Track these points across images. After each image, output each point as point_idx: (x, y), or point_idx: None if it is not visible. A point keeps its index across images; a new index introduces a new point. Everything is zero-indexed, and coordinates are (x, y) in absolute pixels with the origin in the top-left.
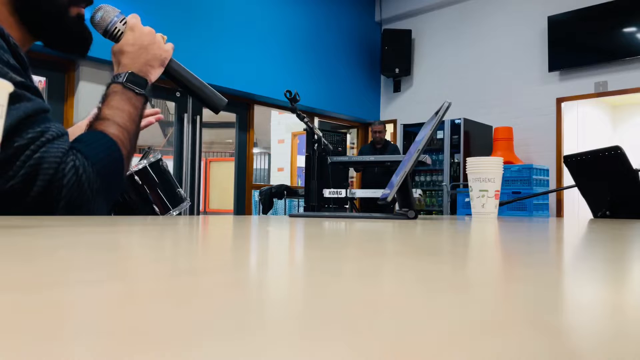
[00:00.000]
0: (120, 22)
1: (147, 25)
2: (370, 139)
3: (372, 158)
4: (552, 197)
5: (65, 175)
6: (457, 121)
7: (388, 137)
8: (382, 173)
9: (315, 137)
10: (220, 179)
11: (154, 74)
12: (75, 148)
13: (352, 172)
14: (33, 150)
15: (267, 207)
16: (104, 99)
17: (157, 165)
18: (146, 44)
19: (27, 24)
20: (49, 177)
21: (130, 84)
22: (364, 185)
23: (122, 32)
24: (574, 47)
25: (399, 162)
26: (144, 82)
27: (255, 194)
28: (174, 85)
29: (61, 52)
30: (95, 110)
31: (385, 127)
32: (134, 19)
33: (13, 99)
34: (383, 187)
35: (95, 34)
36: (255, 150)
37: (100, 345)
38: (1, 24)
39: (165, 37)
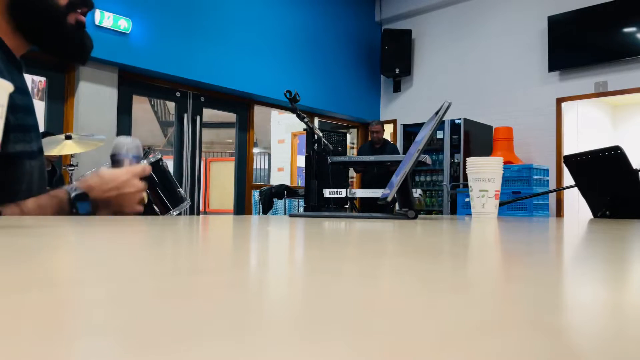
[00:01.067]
0: (129, 161)
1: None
2: (369, 138)
3: (372, 158)
4: (552, 197)
5: None
6: (457, 121)
7: (388, 137)
8: (382, 173)
9: (315, 137)
10: (220, 179)
11: (101, 212)
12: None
13: (352, 172)
14: None
15: (267, 207)
16: (43, 195)
17: (157, 165)
18: (124, 192)
19: (24, 30)
20: None
21: (76, 200)
22: (363, 185)
23: (122, 164)
24: (574, 47)
25: (398, 162)
26: (87, 206)
27: (255, 194)
28: (176, 85)
29: (59, 58)
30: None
31: (383, 126)
32: (141, 169)
33: None
34: (382, 187)
35: (95, 37)
36: (255, 150)
37: (100, 345)
38: None
39: (145, 199)
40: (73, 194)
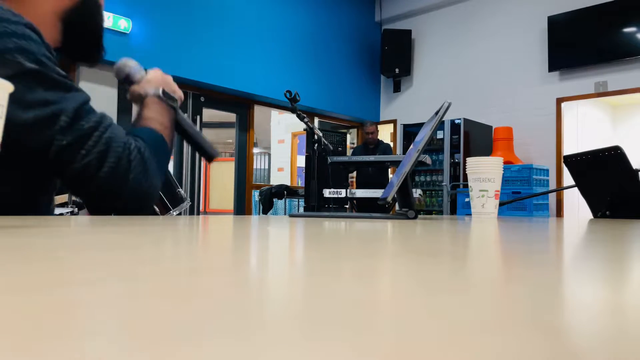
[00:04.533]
0: (139, 73)
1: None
2: (364, 139)
3: (372, 158)
4: (552, 197)
5: (131, 152)
6: (457, 121)
7: (388, 137)
8: (376, 173)
9: (315, 137)
10: (220, 179)
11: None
12: (134, 133)
13: (353, 172)
14: (102, 131)
15: (267, 207)
16: (142, 108)
17: None
18: (167, 80)
19: (66, 35)
20: (119, 153)
21: (164, 97)
22: (357, 185)
23: (141, 77)
24: (574, 47)
25: (395, 161)
26: (173, 98)
27: (255, 194)
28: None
29: (76, 60)
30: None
31: (377, 127)
32: (153, 69)
33: (63, 88)
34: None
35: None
36: (255, 150)
37: (100, 345)
38: (44, 26)
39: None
40: (160, 92)
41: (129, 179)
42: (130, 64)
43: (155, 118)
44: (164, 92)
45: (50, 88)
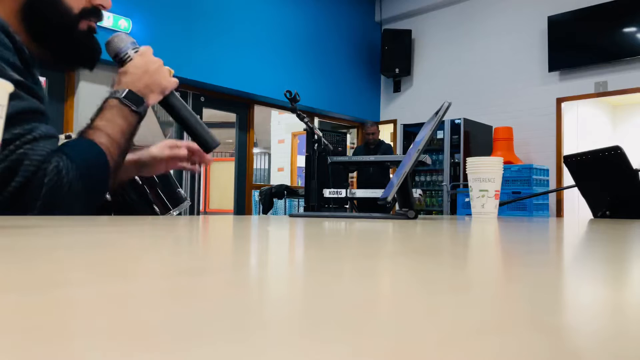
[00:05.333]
0: (133, 49)
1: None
2: (364, 139)
3: (372, 158)
4: (552, 197)
5: (47, 174)
6: (457, 121)
7: (388, 137)
8: (377, 173)
9: (315, 137)
10: (220, 179)
11: (152, 99)
12: (62, 150)
13: (354, 172)
14: (17, 146)
15: (267, 207)
16: (99, 111)
17: None
18: (152, 70)
19: (34, 34)
20: (29, 174)
21: (127, 101)
22: (359, 185)
23: (131, 58)
24: (574, 47)
25: (395, 161)
26: (141, 101)
27: (255, 194)
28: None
29: (67, 64)
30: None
31: (378, 127)
32: (146, 48)
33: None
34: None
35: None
36: (255, 150)
37: (100, 345)
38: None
39: (173, 71)
40: (122, 95)
41: (39, 198)
42: (117, 42)
43: (106, 128)
44: (130, 93)
45: None
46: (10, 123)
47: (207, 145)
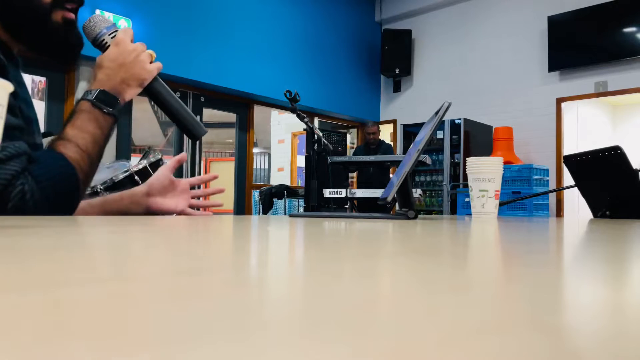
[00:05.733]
0: (109, 34)
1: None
2: (365, 139)
3: (372, 158)
4: (552, 197)
5: (11, 199)
6: (457, 121)
7: (388, 137)
8: (378, 173)
9: (315, 137)
10: (220, 179)
11: (130, 94)
12: (28, 170)
13: (354, 172)
14: None
15: (267, 207)
16: (71, 116)
17: (157, 165)
18: (127, 62)
19: (8, 28)
20: None
21: (99, 103)
22: (359, 185)
23: (108, 45)
24: (574, 47)
25: (395, 161)
26: (115, 101)
27: (255, 194)
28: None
29: (46, 57)
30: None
31: (379, 127)
32: (123, 33)
33: None
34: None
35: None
36: (255, 150)
37: (100, 345)
38: None
39: (154, 55)
40: (93, 97)
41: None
42: (92, 26)
43: (77, 139)
44: (101, 94)
45: None
46: None
47: (194, 134)
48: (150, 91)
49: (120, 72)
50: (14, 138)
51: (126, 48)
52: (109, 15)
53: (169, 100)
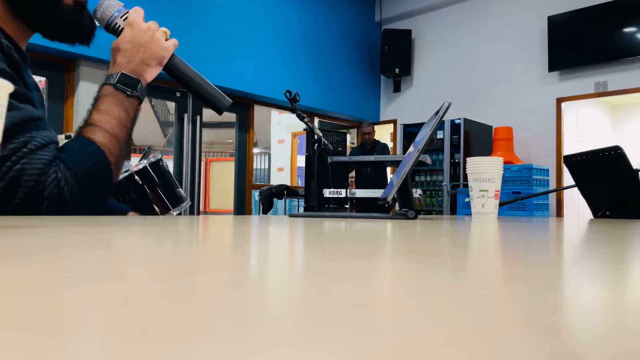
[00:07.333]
0: (121, 17)
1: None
2: (361, 140)
3: (371, 158)
4: (552, 197)
5: (46, 187)
6: (457, 121)
7: (388, 137)
8: (375, 173)
9: (315, 137)
10: (220, 179)
11: (150, 74)
12: (59, 158)
13: (352, 172)
14: (14, 161)
15: (267, 207)
16: (95, 101)
17: (157, 165)
18: (144, 42)
19: (21, 16)
20: (29, 189)
21: (122, 86)
22: (357, 185)
23: (122, 28)
24: (574, 47)
25: (395, 161)
26: (137, 83)
27: (255, 194)
28: (176, 84)
29: (62, 42)
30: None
31: (374, 128)
32: (134, 14)
33: (17, 98)
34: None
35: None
36: (255, 150)
37: (99, 345)
38: None
39: (169, 32)
40: (115, 80)
41: (42, 212)
42: (103, 11)
43: (103, 123)
44: (122, 77)
45: None
46: (5, 138)
47: (219, 106)
48: (170, 69)
49: (138, 53)
50: (40, 128)
51: (140, 28)
52: None
53: (190, 75)
